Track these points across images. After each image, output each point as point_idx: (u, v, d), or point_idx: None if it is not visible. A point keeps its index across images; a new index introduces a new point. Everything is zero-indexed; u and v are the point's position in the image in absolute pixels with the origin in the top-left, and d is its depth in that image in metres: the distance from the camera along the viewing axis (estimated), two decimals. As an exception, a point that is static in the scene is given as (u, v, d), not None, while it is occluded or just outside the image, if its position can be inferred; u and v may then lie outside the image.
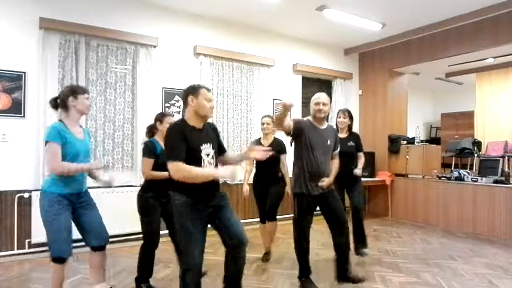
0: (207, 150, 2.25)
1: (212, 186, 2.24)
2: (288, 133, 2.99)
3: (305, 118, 3.17)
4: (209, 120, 2.50)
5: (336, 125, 4.00)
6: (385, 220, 6.07)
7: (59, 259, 2.39)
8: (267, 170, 3.75)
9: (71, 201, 2.46)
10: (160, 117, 3.02)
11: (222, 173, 2.23)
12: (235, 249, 2.27)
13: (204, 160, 2.22)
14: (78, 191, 2.50)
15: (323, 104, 3.05)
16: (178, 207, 2.19)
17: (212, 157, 2.28)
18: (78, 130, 2.54)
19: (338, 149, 3.27)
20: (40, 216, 2.43)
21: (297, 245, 3.11)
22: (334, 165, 3.21)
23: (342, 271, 3.20)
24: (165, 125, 2.88)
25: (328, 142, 3.10)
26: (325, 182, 3.04)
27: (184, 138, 2.15)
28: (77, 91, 2.52)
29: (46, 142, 2.37)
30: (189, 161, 2.14)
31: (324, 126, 3.14)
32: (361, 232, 3.87)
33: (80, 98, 2.50)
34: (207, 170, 2.20)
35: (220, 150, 2.43)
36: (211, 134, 2.36)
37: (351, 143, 3.90)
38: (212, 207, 2.26)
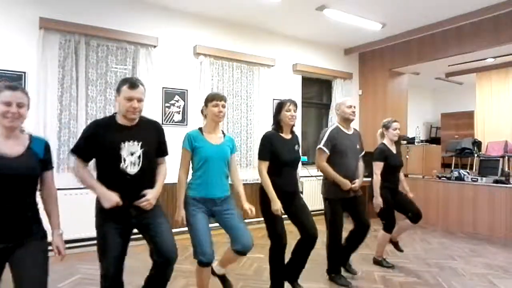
0: (131, 148, 2.06)
1: (131, 197, 2.03)
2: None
3: (332, 127, 3.23)
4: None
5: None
6: (385, 220, 6.05)
7: (199, 263, 2.39)
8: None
9: (206, 206, 2.48)
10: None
11: (100, 192, 2.00)
12: (161, 267, 2.12)
13: (125, 159, 2.03)
14: (211, 196, 2.48)
15: (355, 106, 3.23)
16: (97, 212, 2.09)
17: (139, 157, 2.07)
18: (215, 137, 2.56)
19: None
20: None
21: (332, 245, 3.23)
22: (360, 167, 3.34)
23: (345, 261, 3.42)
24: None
25: (357, 147, 3.26)
26: (356, 183, 3.17)
27: (91, 136, 2.06)
28: (206, 99, 2.56)
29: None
30: (106, 158, 2.05)
31: (351, 131, 3.26)
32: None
33: (209, 106, 2.53)
34: (91, 182, 2.04)
35: (159, 152, 2.26)
36: (147, 133, 2.17)
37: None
38: (135, 218, 2.08)
